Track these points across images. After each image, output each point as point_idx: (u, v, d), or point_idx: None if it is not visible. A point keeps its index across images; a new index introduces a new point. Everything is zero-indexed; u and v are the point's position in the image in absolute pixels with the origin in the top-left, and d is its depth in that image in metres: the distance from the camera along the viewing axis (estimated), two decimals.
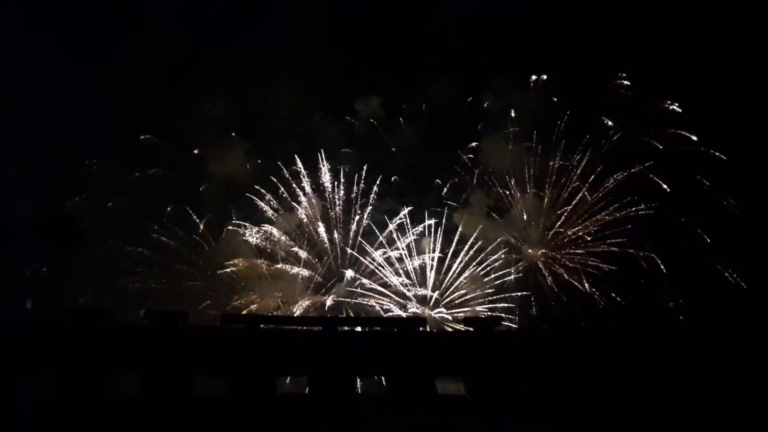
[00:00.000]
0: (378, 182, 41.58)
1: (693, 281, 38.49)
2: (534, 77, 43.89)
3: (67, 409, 15.96)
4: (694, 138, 40.32)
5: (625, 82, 42.75)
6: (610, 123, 41.97)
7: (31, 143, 38.71)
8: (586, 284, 40.03)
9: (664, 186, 40.33)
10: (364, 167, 41.81)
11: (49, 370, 16.48)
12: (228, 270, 39.08)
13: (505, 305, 39.48)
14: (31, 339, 16.41)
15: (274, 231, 40.67)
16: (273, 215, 41.05)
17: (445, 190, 42.36)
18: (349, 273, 39.74)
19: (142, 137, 41.62)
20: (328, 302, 39.19)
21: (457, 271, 40.33)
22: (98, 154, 40.82)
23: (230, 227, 40.17)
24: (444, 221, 40.72)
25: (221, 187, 40.95)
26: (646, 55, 42.34)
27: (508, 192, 42.90)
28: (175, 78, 42.91)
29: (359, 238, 40.89)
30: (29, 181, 37.77)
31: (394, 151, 43.63)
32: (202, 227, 39.88)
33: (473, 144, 43.78)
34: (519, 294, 40.27)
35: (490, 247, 40.32)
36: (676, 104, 41.74)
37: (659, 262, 39.78)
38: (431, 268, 40.12)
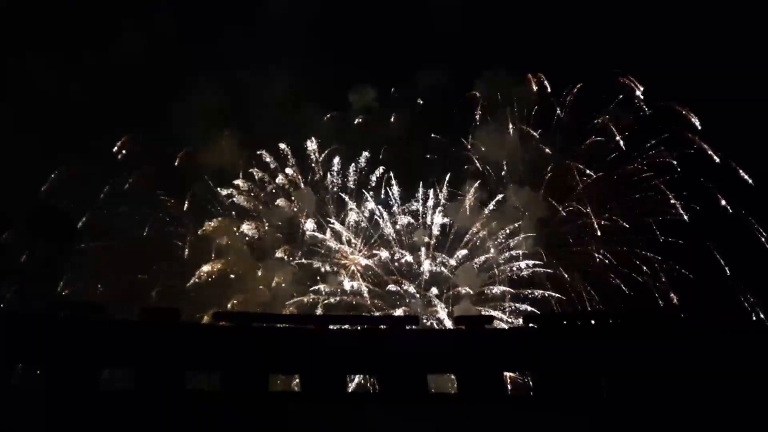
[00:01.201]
0: (372, 174, 41.56)
1: (696, 284, 38.31)
2: (531, 75, 43.94)
3: (59, 405, 15.98)
4: (709, 150, 40.05)
5: (634, 82, 42.72)
6: (611, 124, 41.99)
7: (26, 138, 38.78)
8: (582, 283, 40.06)
9: (664, 187, 40.30)
10: (360, 159, 41.84)
11: (42, 365, 16.50)
12: (206, 270, 38.93)
13: (500, 303, 39.53)
14: (24, 333, 16.42)
15: (263, 225, 40.59)
16: (261, 209, 41.00)
17: (439, 182, 42.34)
18: (347, 282, 39.56)
19: (125, 139, 41.39)
20: (321, 300, 39.20)
21: (453, 266, 40.42)
22: (88, 149, 40.84)
23: (213, 223, 40.09)
24: (440, 215, 40.79)
25: (209, 181, 40.87)
26: (646, 55, 42.38)
27: (502, 187, 43.01)
28: (164, 67, 42.90)
29: (351, 233, 40.87)
30: (24, 175, 37.89)
31: (386, 147, 43.62)
32: (193, 227, 39.84)
33: (470, 137, 43.92)
34: (514, 291, 40.33)
35: (488, 242, 40.39)
36: (696, 117, 41.49)
37: (656, 263, 39.74)
38: (424, 261, 40.12)
